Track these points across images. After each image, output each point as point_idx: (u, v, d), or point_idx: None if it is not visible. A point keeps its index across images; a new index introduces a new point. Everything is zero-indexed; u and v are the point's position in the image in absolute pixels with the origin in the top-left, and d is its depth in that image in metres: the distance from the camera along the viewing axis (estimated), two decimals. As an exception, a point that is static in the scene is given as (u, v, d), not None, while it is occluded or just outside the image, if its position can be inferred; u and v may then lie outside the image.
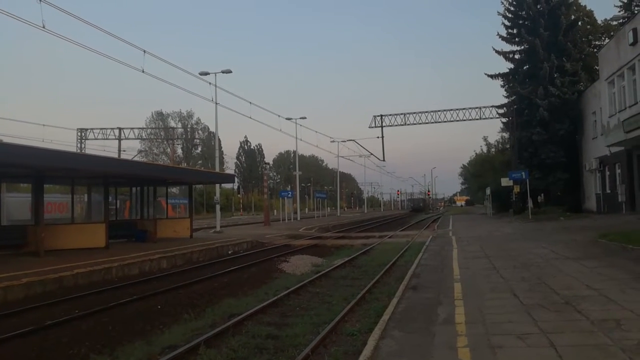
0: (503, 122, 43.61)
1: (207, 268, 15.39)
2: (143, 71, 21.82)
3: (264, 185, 52.54)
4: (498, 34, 39.04)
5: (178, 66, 29.77)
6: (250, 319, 8.34)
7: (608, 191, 30.34)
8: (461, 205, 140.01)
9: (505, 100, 40.48)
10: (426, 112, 41.74)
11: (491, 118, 40.66)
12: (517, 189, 35.41)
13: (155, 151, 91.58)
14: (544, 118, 34.84)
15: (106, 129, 46.83)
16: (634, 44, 23.37)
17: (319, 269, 14.51)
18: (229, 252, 19.61)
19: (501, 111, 40.28)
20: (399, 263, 14.66)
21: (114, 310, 9.43)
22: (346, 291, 10.76)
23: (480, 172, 56.28)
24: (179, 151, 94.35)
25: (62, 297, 10.43)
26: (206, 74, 29.46)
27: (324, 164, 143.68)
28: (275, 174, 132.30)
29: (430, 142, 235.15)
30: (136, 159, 52.84)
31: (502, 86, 40.65)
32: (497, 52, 39.17)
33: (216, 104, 30.20)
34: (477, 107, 40.42)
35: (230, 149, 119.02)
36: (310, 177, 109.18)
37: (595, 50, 39.25)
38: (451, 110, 40.95)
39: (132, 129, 48.40)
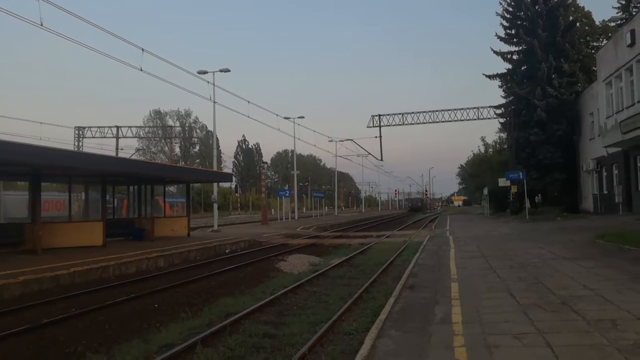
0: (501, 123, 43.79)
1: (205, 267, 15.38)
2: (141, 69, 21.81)
3: (261, 185, 52.50)
4: (496, 35, 39.13)
5: (176, 65, 29.87)
6: (247, 318, 8.35)
7: (605, 192, 30.42)
8: (459, 205, 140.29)
9: (503, 101, 40.55)
10: (424, 112, 41.88)
11: (489, 118, 40.77)
12: (514, 189, 35.48)
13: (153, 150, 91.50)
14: (541, 119, 34.90)
15: (104, 127, 46.79)
16: (631, 45, 23.44)
17: (316, 268, 14.52)
18: (227, 251, 19.60)
19: (499, 111, 40.35)
20: (396, 262, 14.69)
21: (110, 308, 9.42)
22: (343, 290, 10.77)
23: (477, 172, 56.34)
24: (177, 150, 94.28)
25: (59, 295, 10.42)
26: (205, 72, 29.46)
27: (322, 164, 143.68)
28: (273, 173, 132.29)
29: (428, 142, 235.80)
30: (134, 157, 52.81)
31: (500, 86, 40.75)
32: (495, 52, 39.25)
33: (214, 102, 30.21)
34: (475, 108, 40.55)
35: (228, 148, 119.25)
36: (308, 177, 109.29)
37: (593, 51, 39.32)
38: (449, 110, 41.11)
39: (130, 127, 48.40)
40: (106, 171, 17.99)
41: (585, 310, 6.64)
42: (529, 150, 36.28)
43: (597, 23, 44.05)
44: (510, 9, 38.69)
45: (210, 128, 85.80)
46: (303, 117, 46.52)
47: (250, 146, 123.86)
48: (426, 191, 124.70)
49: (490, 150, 56.33)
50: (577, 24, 39.97)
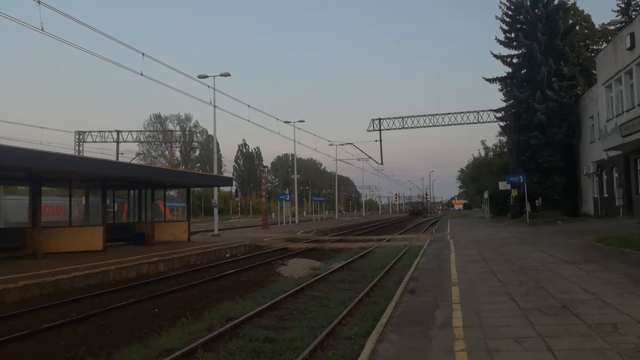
0: (501, 126, 43.82)
1: (205, 271, 15.36)
2: (142, 74, 21.87)
3: (262, 189, 52.51)
4: (496, 38, 39.22)
5: (177, 69, 29.88)
6: (247, 323, 8.33)
7: (605, 195, 30.41)
8: (459, 209, 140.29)
9: (503, 104, 40.65)
10: (424, 115, 41.81)
11: (489, 122, 40.74)
12: (514, 192, 35.45)
13: (153, 154, 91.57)
14: (541, 122, 34.93)
15: (104, 131, 46.89)
16: (631, 48, 23.47)
17: (316, 273, 14.48)
18: (227, 255, 19.58)
19: (499, 115, 40.35)
20: (396, 266, 14.66)
21: (111, 313, 9.40)
22: (344, 295, 10.75)
23: (478, 175, 56.40)
24: (177, 154, 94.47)
25: (59, 300, 10.40)
26: (205, 77, 29.54)
27: (322, 168, 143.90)
28: (273, 177, 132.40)
29: (428, 145, 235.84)
30: (134, 161, 52.82)
31: (500, 90, 40.82)
32: (495, 56, 39.31)
33: (215, 107, 30.28)
34: (475, 111, 40.51)
35: (228, 152, 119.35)
36: (308, 181, 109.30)
37: (592, 54, 39.42)
38: (449, 113, 40.98)
39: (130, 131, 48.48)
40: (106, 175, 18.00)
41: (586, 314, 6.64)
42: (529, 153, 36.29)
43: (597, 26, 44.20)
44: (510, 13, 38.77)
45: (210, 132, 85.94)
46: (303, 121, 46.75)
47: (250, 150, 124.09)
48: (427, 195, 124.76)
49: (491, 153, 56.49)
50: (577, 28, 40.09)
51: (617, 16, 40.54)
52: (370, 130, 42.53)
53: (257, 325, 8.30)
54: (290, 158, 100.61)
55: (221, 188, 50.44)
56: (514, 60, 39.12)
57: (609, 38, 36.73)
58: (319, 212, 67.55)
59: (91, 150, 47.42)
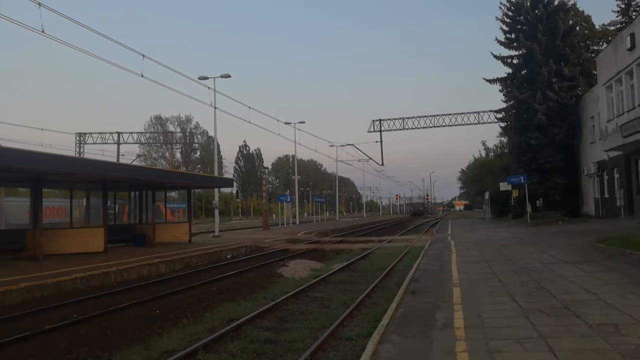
0: (501, 127, 43.84)
1: (206, 272, 15.36)
2: (142, 75, 21.92)
3: (262, 190, 52.54)
4: (496, 39, 39.25)
5: (177, 71, 29.87)
6: (249, 324, 8.33)
7: (606, 196, 30.39)
8: (460, 210, 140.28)
9: (504, 105, 40.64)
10: (425, 116, 41.77)
11: (490, 123, 40.71)
12: (515, 193, 35.46)
13: (154, 155, 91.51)
14: (542, 123, 34.92)
15: (105, 133, 46.94)
16: (631, 49, 23.48)
17: (317, 274, 14.48)
18: (228, 257, 19.58)
19: (499, 116, 40.37)
20: (397, 267, 14.66)
21: (112, 315, 9.41)
22: (345, 296, 10.75)
23: (478, 176, 56.37)
24: (178, 155, 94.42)
25: (61, 301, 10.41)
26: (205, 78, 29.55)
27: (322, 169, 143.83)
28: (274, 178, 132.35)
29: (429, 146, 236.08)
30: (135, 163, 52.88)
31: (501, 91, 40.83)
32: (495, 56, 39.33)
33: (215, 108, 30.30)
34: (475, 112, 40.47)
35: (229, 154, 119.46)
36: (309, 182, 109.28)
37: (593, 55, 39.41)
38: (450, 114, 40.93)
39: (130, 133, 48.52)
40: (107, 177, 18.01)
41: (588, 315, 6.64)
42: (529, 154, 36.29)
43: (597, 27, 44.23)
44: (510, 14, 38.79)
45: (211, 133, 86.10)
46: (304, 122, 46.67)
47: (251, 151, 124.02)
48: (427, 196, 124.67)
49: (491, 154, 56.46)
50: (577, 28, 40.10)
51: (617, 17, 40.54)
52: (371, 131, 42.55)
53: (258, 326, 8.30)
54: (290, 159, 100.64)
55: (222, 189, 50.58)
56: (515, 61, 39.14)
57: (609, 39, 36.74)
58: (319, 213, 67.53)
59: (92, 152, 47.59)
